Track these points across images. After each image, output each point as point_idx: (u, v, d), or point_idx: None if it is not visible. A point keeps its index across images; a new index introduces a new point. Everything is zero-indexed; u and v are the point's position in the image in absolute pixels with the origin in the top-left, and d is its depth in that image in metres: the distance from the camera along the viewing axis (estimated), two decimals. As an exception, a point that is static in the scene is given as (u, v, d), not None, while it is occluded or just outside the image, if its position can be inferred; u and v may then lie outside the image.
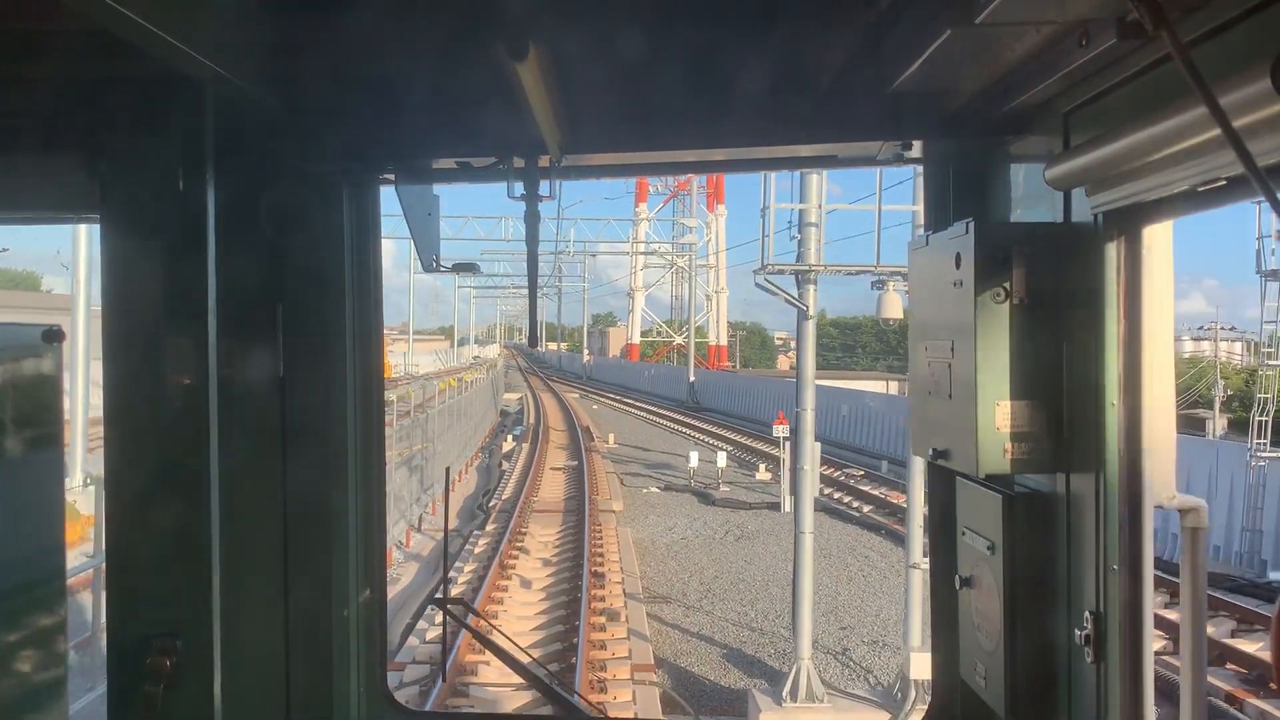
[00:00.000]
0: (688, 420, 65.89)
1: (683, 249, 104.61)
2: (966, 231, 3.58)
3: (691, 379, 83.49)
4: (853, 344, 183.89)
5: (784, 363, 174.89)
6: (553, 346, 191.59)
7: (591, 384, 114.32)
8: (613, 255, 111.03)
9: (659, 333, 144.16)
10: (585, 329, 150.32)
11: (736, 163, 4.80)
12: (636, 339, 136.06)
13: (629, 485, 39.57)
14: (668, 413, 72.04)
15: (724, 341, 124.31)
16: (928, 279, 3.99)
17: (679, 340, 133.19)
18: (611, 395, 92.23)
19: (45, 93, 3.81)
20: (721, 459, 39.98)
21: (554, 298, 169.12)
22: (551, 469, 42.21)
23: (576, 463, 42.67)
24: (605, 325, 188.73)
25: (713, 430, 59.49)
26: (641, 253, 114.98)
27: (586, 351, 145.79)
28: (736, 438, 55.53)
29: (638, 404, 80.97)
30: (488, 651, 6.22)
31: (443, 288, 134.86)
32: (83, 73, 3.71)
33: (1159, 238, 3.28)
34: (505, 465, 45.21)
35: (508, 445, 52.21)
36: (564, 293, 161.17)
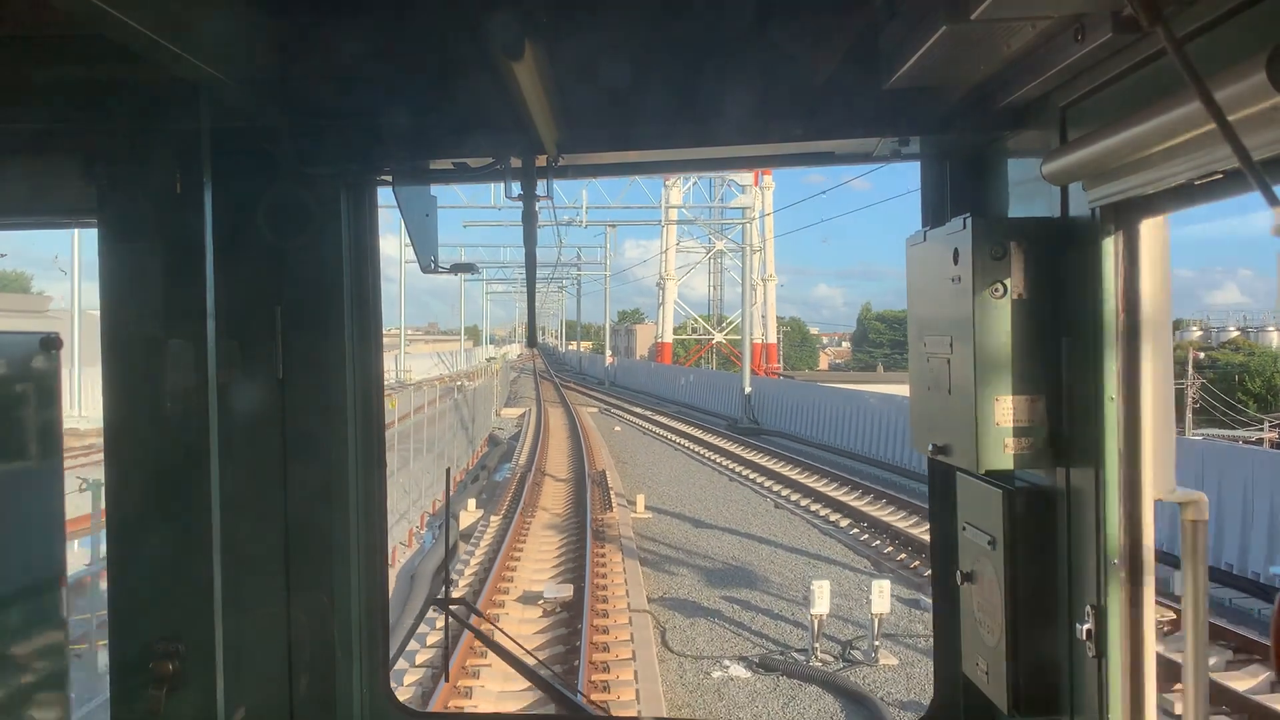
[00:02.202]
0: (754, 459, 43.37)
1: (728, 216, 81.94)
2: (964, 227, 3.68)
3: (747, 389, 60.56)
4: (902, 339, 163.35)
5: (822, 361, 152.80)
6: (574, 346, 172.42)
7: (614, 392, 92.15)
8: (638, 224, 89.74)
9: (693, 329, 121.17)
10: (607, 325, 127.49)
11: (733, 160, 4.91)
12: (668, 337, 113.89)
13: (680, 652, 17.39)
14: (718, 442, 49.88)
15: (773, 339, 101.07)
16: (926, 275, 4.11)
17: (719, 338, 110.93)
18: (639, 410, 70.25)
19: (42, 98, 3.91)
20: (881, 598, 17.56)
21: (573, 292, 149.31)
22: (522, 601, 19.99)
23: (574, 587, 20.41)
24: (632, 322, 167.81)
25: (800, 480, 36.84)
26: (676, 220, 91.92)
27: (609, 353, 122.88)
28: (839, 496, 33.40)
29: (674, 425, 58.83)
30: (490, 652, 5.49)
31: (467, 287, 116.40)
32: (79, 78, 3.85)
33: (1156, 231, 3.37)
34: (463, 553, 26.01)
35: (469, 516, 30.68)
36: (585, 286, 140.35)
